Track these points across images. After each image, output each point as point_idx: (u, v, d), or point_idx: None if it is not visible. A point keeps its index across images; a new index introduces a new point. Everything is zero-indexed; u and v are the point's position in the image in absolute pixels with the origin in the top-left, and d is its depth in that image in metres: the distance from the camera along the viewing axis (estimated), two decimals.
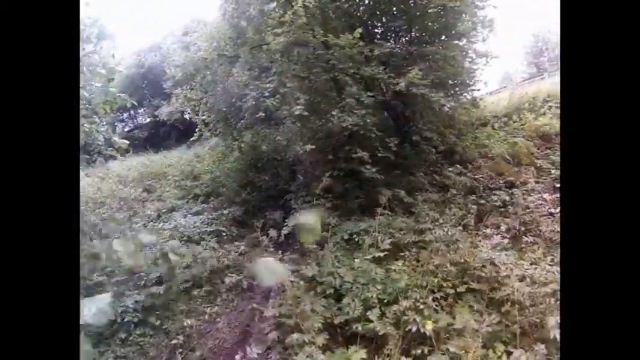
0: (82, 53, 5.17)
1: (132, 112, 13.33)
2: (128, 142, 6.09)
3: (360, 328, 3.30)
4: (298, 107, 5.57)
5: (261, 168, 8.53)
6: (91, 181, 8.83)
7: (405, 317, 3.26)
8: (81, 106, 5.81)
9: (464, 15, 6.55)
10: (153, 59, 13.58)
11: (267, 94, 6.27)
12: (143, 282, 5.23)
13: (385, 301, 3.51)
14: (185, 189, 8.62)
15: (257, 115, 6.45)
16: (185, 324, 4.77)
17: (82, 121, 5.82)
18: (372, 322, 3.30)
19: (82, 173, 9.03)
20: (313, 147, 5.73)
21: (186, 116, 10.50)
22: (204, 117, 8.42)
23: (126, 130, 13.67)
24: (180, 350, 4.46)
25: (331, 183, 5.41)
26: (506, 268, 3.59)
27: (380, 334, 3.24)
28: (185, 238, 6.25)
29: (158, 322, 4.82)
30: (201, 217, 7.15)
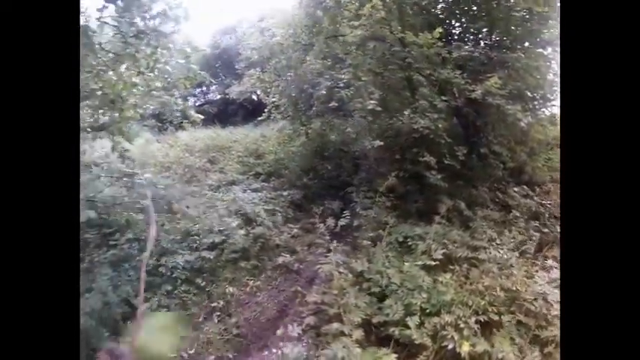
0: (169, 31, 5.64)
1: (204, 88, 14.28)
2: (203, 117, 6.56)
3: (396, 332, 3.27)
4: (372, 102, 5.51)
5: (326, 157, 8.57)
6: (160, 147, 9.57)
7: (444, 332, 3.18)
8: (162, 79, 6.35)
9: (551, 21, 5.90)
10: (228, 41, 14.38)
11: (341, 85, 6.28)
12: (196, 245, 5.61)
13: (427, 311, 3.43)
14: (247, 165, 8.86)
15: (329, 105, 6.49)
16: (227, 291, 5.08)
17: (160, 92, 6.37)
18: (410, 329, 3.24)
19: (153, 139, 9.85)
20: (382, 144, 5.66)
21: (255, 97, 10.98)
22: (274, 99, 8.67)
23: (197, 104, 14.65)
24: (219, 314, 4.79)
25: (395, 183, 5.33)
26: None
27: (415, 342, 3.18)
28: (241, 212, 6.48)
29: (203, 284, 5.16)
30: (259, 194, 7.33)
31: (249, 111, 12.00)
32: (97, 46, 4.84)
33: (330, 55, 7.34)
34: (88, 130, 5.78)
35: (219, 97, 14.15)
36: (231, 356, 4.15)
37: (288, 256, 5.08)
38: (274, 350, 4.06)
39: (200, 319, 4.72)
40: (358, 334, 3.14)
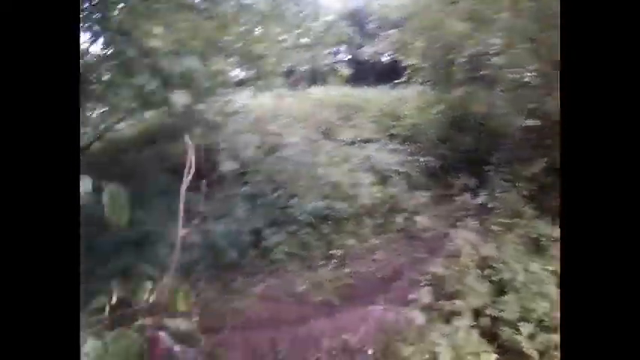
0: None
1: (335, 48, 14.31)
2: (349, 73, 6.65)
3: (504, 333, 3.09)
4: (528, 75, 4.84)
5: (465, 129, 7.88)
6: (292, 101, 9.83)
7: (556, 353, 2.87)
8: (306, 36, 6.73)
9: None
10: (358, 2, 13.98)
11: (491, 52, 5.61)
12: (325, 194, 6.05)
13: (544, 322, 3.13)
14: (382, 125, 8.72)
15: (474, 73, 5.89)
16: (347, 243, 5.42)
17: (302, 49, 6.79)
18: (521, 335, 3.03)
19: (288, 93, 10.54)
20: (537, 124, 5.02)
21: (389, 59, 10.60)
22: (412, 62, 8.22)
23: (328, 62, 14.90)
24: (335, 261, 5.17)
25: (537, 171, 4.81)
26: None
27: (521, 351, 2.96)
28: (374, 170, 6.64)
29: (325, 231, 5.63)
30: (394, 155, 7.34)
31: (382, 73, 11.69)
32: (244, 6, 5.32)
33: (476, 16, 6.50)
34: (230, 84, 6.56)
35: (349, 57, 14.19)
36: (336, 303, 4.23)
37: (415, 221, 5.00)
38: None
39: (316, 263, 5.16)
40: (471, 319, 3.12)
